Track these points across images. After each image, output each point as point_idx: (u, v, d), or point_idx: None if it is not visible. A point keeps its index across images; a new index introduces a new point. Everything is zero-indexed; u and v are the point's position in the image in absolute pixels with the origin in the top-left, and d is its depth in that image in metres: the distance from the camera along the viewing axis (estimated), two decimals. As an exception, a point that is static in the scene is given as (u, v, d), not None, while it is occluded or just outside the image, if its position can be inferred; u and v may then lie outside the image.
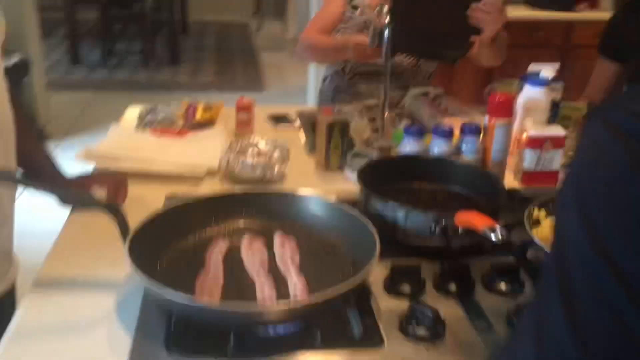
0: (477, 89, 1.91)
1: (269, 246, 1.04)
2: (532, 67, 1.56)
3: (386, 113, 1.52)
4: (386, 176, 1.25)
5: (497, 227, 0.86)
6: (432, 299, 0.97)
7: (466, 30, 1.65)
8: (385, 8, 1.46)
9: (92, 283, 1.01)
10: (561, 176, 1.43)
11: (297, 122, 1.79)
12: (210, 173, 1.41)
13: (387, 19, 1.45)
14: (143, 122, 1.70)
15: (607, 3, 3.97)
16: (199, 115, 1.70)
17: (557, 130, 1.39)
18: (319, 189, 1.34)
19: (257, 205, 1.12)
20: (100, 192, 1.18)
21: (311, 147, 1.59)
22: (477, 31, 1.65)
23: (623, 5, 1.89)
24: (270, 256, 1.01)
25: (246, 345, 0.84)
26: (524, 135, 1.40)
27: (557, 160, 1.40)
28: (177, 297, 0.82)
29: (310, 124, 1.81)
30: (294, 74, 6.30)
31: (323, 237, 1.06)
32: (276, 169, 1.38)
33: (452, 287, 0.99)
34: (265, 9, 8.45)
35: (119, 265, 0.95)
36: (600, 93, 1.88)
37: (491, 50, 1.75)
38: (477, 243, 1.07)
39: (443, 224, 1.03)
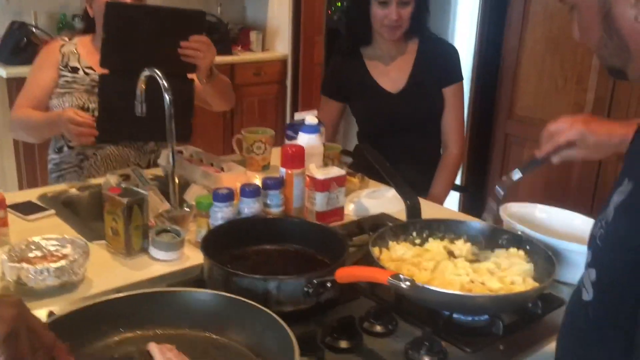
0: (217, 140, 1.94)
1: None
2: (297, 116, 1.66)
3: (176, 180, 1.43)
4: (226, 243, 1.19)
5: (400, 275, 0.91)
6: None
7: (182, 67, 1.75)
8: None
9: None
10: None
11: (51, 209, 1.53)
12: (-10, 294, 1.12)
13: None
14: None
15: (257, 46, 4.41)
16: None
17: (337, 172, 1.51)
18: (130, 278, 1.19)
19: (113, 316, 0.93)
20: None
21: (90, 234, 1.39)
22: (193, 68, 1.77)
23: (337, 52, 2.15)
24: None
25: None
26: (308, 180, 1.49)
27: (342, 197, 1.53)
28: None
29: (67, 207, 1.58)
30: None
31: (209, 336, 0.95)
32: (81, 270, 1.17)
33: (344, 343, 1.01)
34: None
35: None
36: (331, 129, 2.10)
37: (215, 90, 1.88)
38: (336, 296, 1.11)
39: (317, 285, 1.04)
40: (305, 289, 1.04)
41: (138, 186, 1.60)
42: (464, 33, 3.07)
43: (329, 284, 1.05)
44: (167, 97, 1.37)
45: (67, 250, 1.22)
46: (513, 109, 2.82)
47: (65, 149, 1.83)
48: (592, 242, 0.78)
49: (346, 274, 1.01)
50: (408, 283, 0.90)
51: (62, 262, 1.13)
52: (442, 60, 2.00)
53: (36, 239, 1.22)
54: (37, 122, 1.77)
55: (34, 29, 3.41)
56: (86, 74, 1.82)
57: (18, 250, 1.18)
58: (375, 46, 2.02)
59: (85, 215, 1.61)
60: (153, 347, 0.91)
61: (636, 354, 0.67)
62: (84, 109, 1.76)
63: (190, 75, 1.84)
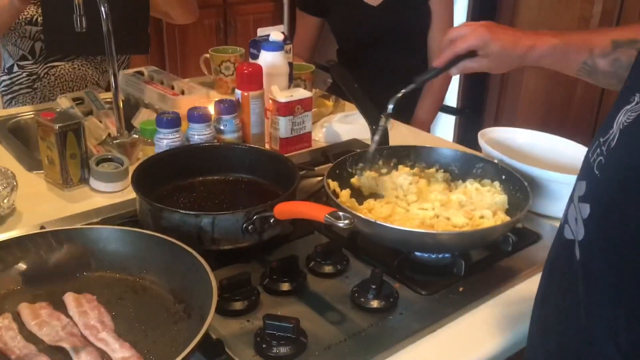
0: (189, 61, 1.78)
1: (61, 311, 0.79)
2: (260, 32, 1.51)
3: (120, 104, 1.30)
4: (160, 176, 1.08)
5: (340, 213, 0.80)
6: (270, 306, 0.87)
7: None
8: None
9: None
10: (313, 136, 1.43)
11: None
12: None
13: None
14: None
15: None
16: None
17: (303, 93, 1.37)
18: (66, 212, 1.09)
19: (18, 257, 0.84)
20: None
21: (32, 163, 1.28)
22: None
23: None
24: (71, 323, 0.77)
25: None
26: (270, 103, 1.36)
27: (308, 122, 1.40)
28: None
29: (15, 133, 1.47)
30: None
31: (126, 279, 0.85)
32: (5, 202, 1.06)
33: (285, 285, 0.90)
34: None
35: None
36: (308, 49, 1.94)
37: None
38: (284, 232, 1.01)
39: (257, 221, 0.93)
40: (245, 225, 0.93)
41: (92, 111, 1.48)
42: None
43: (272, 220, 0.94)
44: (102, 9, 1.21)
45: (-6, 181, 1.11)
46: (515, 22, 2.60)
47: (15, 68, 1.69)
48: (587, 172, 0.63)
49: (285, 209, 0.90)
50: (346, 222, 0.78)
51: (-19, 196, 1.03)
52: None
53: (-41, 168, 1.11)
54: None
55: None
56: None
57: (-64, 183, 1.07)
58: (354, -49, 1.82)
59: (35, 142, 1.49)
60: (69, 298, 0.81)
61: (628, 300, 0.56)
62: (32, 22, 1.61)
63: None
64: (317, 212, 0.81)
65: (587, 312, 0.61)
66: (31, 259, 0.85)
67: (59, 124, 1.14)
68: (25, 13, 1.61)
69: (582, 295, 0.62)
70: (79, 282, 0.85)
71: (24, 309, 0.78)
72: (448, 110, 2.39)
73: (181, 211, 0.93)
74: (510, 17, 2.65)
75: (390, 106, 1.09)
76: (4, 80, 1.73)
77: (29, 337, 0.74)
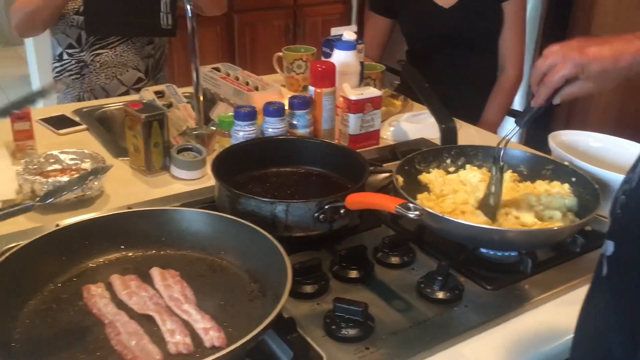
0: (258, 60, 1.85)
1: (148, 284, 0.86)
2: (333, 31, 1.55)
3: (200, 97, 1.37)
4: (236, 166, 1.14)
5: (411, 205, 0.83)
6: (338, 291, 0.91)
7: None
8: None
9: None
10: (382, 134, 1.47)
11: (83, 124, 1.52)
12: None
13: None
14: None
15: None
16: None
17: (373, 92, 1.41)
18: (148, 196, 1.17)
19: (119, 230, 0.91)
20: None
21: (117, 150, 1.37)
22: None
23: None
24: (157, 295, 0.83)
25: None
26: (341, 100, 1.40)
27: (377, 120, 1.43)
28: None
29: (102, 122, 1.58)
30: (3, 61, 5.49)
31: (205, 258, 0.91)
32: (95, 184, 1.15)
33: (354, 273, 0.94)
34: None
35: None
36: (378, 49, 1.97)
37: None
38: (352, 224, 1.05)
39: (328, 211, 0.97)
40: (316, 215, 0.97)
41: (172, 103, 1.56)
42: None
43: (342, 211, 0.98)
44: (188, 8, 1.29)
45: (87, 165, 1.21)
46: (590, 28, 2.55)
47: (65, 55, 1.81)
48: (612, 210, 0.64)
49: (356, 200, 0.94)
50: (417, 212, 0.81)
51: (83, 172, 1.11)
52: (503, -30, 1.79)
53: (55, 152, 1.21)
54: (34, 3, 1.70)
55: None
56: None
57: (37, 163, 1.17)
58: (428, -45, 1.84)
59: (120, 131, 1.59)
60: (155, 272, 0.88)
61: None
62: (78, 12, 1.73)
63: None
64: (388, 202, 0.85)
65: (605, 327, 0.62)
66: (121, 236, 0.92)
67: (146, 114, 1.22)
68: (73, 4, 1.73)
69: (602, 308, 0.63)
70: (163, 259, 0.91)
71: (116, 279, 0.85)
72: (516, 114, 2.37)
73: (258, 198, 0.98)
74: (586, 22, 2.60)
75: (501, 152, 1.03)
76: (56, 67, 1.85)
77: (120, 305, 0.81)
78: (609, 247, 0.61)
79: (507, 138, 1.03)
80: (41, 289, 0.83)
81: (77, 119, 1.55)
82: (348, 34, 1.50)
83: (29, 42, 3.78)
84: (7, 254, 0.80)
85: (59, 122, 1.51)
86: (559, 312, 0.91)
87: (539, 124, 2.65)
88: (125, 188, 1.23)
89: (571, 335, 0.84)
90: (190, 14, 1.29)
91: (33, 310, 0.80)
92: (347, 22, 4.31)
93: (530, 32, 2.24)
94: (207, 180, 1.27)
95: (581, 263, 1.02)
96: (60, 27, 1.77)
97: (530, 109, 1.01)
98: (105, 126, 1.56)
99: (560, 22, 2.66)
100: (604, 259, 0.62)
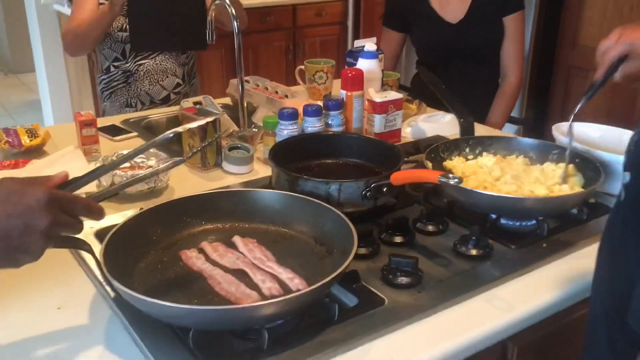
0: (280, 80, 2.04)
1: (233, 249, 1.02)
2: (356, 43, 1.74)
3: (245, 104, 1.55)
4: (284, 159, 1.31)
5: (449, 174, 1.01)
6: (387, 253, 1.08)
7: None
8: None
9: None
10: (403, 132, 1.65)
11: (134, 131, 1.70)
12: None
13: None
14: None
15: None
16: (24, 142, 1.50)
17: (395, 95, 1.60)
18: (207, 188, 1.33)
19: (200, 208, 1.08)
20: None
21: (169, 153, 1.54)
22: None
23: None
24: (242, 256, 1.00)
25: (280, 340, 0.84)
26: (367, 103, 1.58)
27: (399, 120, 1.62)
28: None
29: (148, 130, 1.75)
30: (7, 89, 5.65)
31: (276, 229, 1.08)
32: (164, 177, 1.32)
33: (399, 238, 1.12)
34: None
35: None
36: (391, 60, 2.17)
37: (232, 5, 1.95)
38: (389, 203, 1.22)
39: (374, 189, 1.14)
40: (363, 192, 1.15)
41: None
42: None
43: (384, 189, 1.15)
44: (235, 25, 1.48)
45: (152, 162, 1.38)
46: (577, 38, 2.78)
47: (112, 68, 2.04)
48: (628, 147, 0.83)
49: (400, 176, 1.11)
50: (457, 179, 0.99)
51: (150, 169, 1.28)
52: (503, -12, 2.01)
53: (124, 151, 1.37)
54: (93, 18, 1.93)
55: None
56: None
57: (110, 161, 1.34)
58: (435, -25, 2.05)
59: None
60: (237, 239, 1.04)
61: None
62: (122, 29, 1.96)
63: None
64: (431, 174, 1.03)
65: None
66: (203, 213, 1.09)
67: (203, 117, 1.39)
68: (117, 22, 1.95)
69: (621, 254, 0.81)
70: (239, 231, 1.08)
71: (206, 245, 1.02)
72: (512, 120, 2.57)
73: (314, 179, 1.15)
74: (573, 33, 2.82)
75: (571, 122, 1.24)
76: (103, 80, 2.08)
77: (214, 263, 0.98)
78: (626, 177, 0.79)
79: (575, 112, 1.21)
80: (146, 254, 0.99)
81: (126, 128, 1.72)
82: (370, 45, 1.69)
83: (40, 69, 3.97)
84: (122, 222, 0.96)
85: (112, 131, 1.68)
86: (573, 264, 1.09)
87: (537, 119, 2.86)
88: (185, 182, 1.39)
89: (587, 279, 1.03)
90: (237, 31, 1.48)
91: (143, 269, 0.96)
92: (343, 43, 4.53)
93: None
94: (254, 174, 1.45)
95: (588, 228, 1.20)
96: (106, 43, 1.98)
97: (594, 85, 1.19)
98: (151, 133, 1.73)
99: (550, 35, 2.89)
100: (622, 187, 0.80)
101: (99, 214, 0.82)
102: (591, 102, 1.23)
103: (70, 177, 0.87)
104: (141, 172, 1.26)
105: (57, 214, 0.75)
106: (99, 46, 2.02)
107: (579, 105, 1.20)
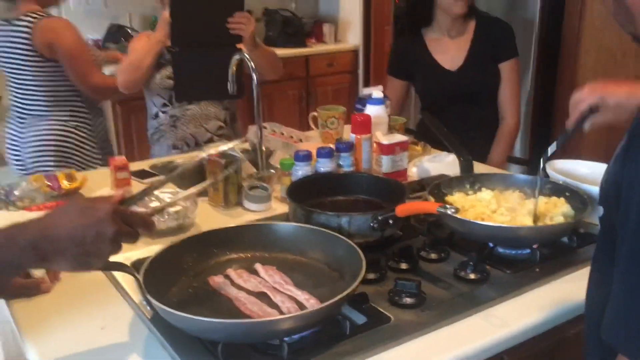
0: (294, 126, 2.20)
1: (255, 275, 1.15)
2: (364, 91, 1.90)
3: (263, 149, 1.70)
4: (299, 196, 1.44)
5: (447, 205, 1.13)
6: (394, 278, 1.20)
7: (231, 38, 2.10)
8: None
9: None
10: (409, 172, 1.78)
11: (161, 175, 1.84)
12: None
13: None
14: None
15: (330, 38, 4.67)
16: (64, 185, 1.65)
17: (400, 137, 1.74)
18: (229, 224, 1.46)
19: (226, 240, 1.21)
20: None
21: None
22: (239, 38, 2.12)
23: (398, 34, 2.37)
24: (264, 281, 1.12)
25: (298, 352, 0.96)
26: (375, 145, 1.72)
27: (405, 160, 1.75)
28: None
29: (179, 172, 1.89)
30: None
31: (293, 257, 1.21)
32: (192, 214, 1.46)
33: (404, 265, 1.23)
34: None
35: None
36: (396, 106, 2.32)
37: (262, 57, 2.19)
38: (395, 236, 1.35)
39: (381, 221, 1.27)
40: (372, 224, 1.27)
41: (230, 156, 1.89)
42: (526, 11, 3.18)
43: (391, 221, 1.28)
44: (255, 77, 1.64)
45: (181, 201, 1.51)
46: (574, 81, 2.92)
47: (160, 114, 2.25)
48: (601, 184, 0.95)
49: (405, 208, 1.24)
50: (453, 209, 1.12)
51: (178, 207, 1.42)
52: (498, 37, 2.17)
53: (155, 192, 1.52)
54: (139, 54, 2.15)
55: (129, 30, 3.82)
56: (169, 52, 2.19)
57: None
58: (435, 27, 2.22)
59: (189, 180, 1.91)
60: (259, 266, 1.17)
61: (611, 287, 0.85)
62: (170, 78, 2.18)
63: (238, 46, 2.16)
64: (431, 206, 1.16)
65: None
66: (228, 243, 1.22)
67: (225, 160, 1.54)
68: (165, 72, 2.17)
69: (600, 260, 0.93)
70: (260, 259, 1.20)
71: (231, 272, 1.15)
72: (515, 160, 2.70)
73: (327, 212, 1.28)
74: (571, 78, 2.98)
75: (541, 166, 1.33)
76: (152, 125, 2.28)
77: (239, 287, 1.10)
78: (600, 210, 0.91)
79: (546, 153, 1.31)
80: (178, 280, 1.12)
81: (154, 172, 1.87)
82: (377, 92, 1.84)
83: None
84: (159, 251, 1.10)
85: (142, 175, 1.83)
86: (563, 286, 1.20)
87: (538, 155, 2.98)
88: (209, 219, 1.53)
89: (575, 300, 1.13)
90: (256, 82, 1.64)
91: (176, 292, 1.09)
92: (354, 91, 4.73)
93: (524, 86, 2.60)
94: (272, 211, 1.58)
95: (578, 255, 1.31)
96: (155, 90, 2.20)
97: (566, 132, 1.30)
98: (178, 176, 1.87)
99: (548, 82, 3.04)
100: (599, 220, 0.92)
101: (152, 227, 0.96)
102: (590, 140, 1.34)
103: None
104: (171, 210, 1.41)
105: (120, 224, 0.89)
106: (148, 93, 2.24)
107: (550, 150, 1.30)
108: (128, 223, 0.91)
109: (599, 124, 1.26)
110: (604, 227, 0.93)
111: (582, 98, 1.25)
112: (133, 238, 0.92)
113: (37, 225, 0.87)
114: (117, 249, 0.90)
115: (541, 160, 1.32)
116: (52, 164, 2.26)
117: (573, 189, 1.41)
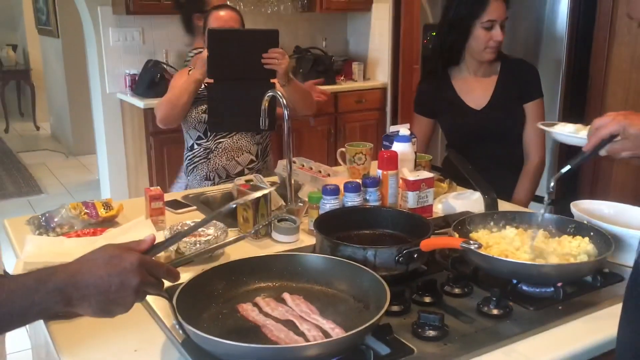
0: (322, 161, 2.27)
1: (282, 304, 1.19)
2: (392, 129, 1.95)
3: (292, 182, 1.76)
4: (327, 229, 1.48)
5: (470, 240, 1.16)
6: (417, 310, 1.22)
7: (265, 73, 2.20)
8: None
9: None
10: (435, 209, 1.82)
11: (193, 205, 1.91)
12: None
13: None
14: (38, 231, 1.67)
15: (359, 76, 4.76)
16: (101, 213, 1.72)
17: (426, 174, 1.77)
18: (257, 254, 1.50)
19: (255, 269, 1.25)
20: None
21: (224, 223, 1.74)
22: (273, 73, 2.21)
23: (426, 74, 2.43)
24: (291, 310, 1.16)
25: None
26: (401, 181, 1.76)
27: (430, 197, 1.79)
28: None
29: (205, 204, 1.96)
30: (68, 170, 6.06)
31: (320, 288, 1.24)
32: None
33: (428, 298, 1.26)
34: (9, 107, 7.99)
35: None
36: (422, 144, 2.36)
37: (295, 92, 2.30)
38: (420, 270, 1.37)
39: (406, 255, 1.30)
40: (396, 258, 1.31)
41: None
42: (553, 54, 3.23)
43: (415, 255, 1.31)
44: (286, 113, 1.70)
45: (211, 230, 1.57)
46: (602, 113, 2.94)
47: (195, 146, 2.36)
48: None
49: (429, 243, 1.27)
50: (476, 245, 1.15)
51: (209, 237, 1.48)
52: (523, 78, 2.21)
53: (187, 222, 1.58)
54: (177, 91, 2.26)
55: (165, 66, 3.96)
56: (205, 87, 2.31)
57: (175, 229, 1.54)
58: (462, 67, 2.27)
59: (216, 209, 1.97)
60: (286, 295, 1.21)
61: None
62: (205, 112, 2.29)
63: (272, 80, 2.26)
64: (455, 241, 1.19)
65: None
66: (256, 272, 1.26)
67: (255, 195, 1.59)
68: (202, 106, 2.28)
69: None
70: (287, 289, 1.24)
71: (260, 300, 1.19)
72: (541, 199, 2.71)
73: (353, 245, 1.32)
74: (599, 110, 3.00)
75: (552, 184, 1.35)
76: (188, 156, 2.40)
77: (267, 315, 1.14)
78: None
79: (562, 172, 1.34)
80: (209, 306, 1.16)
81: (186, 202, 1.94)
82: (404, 130, 1.89)
83: (101, 151, 4.32)
84: (191, 278, 1.14)
85: (174, 205, 1.90)
86: (587, 324, 1.21)
87: (567, 196, 2.98)
88: (239, 250, 1.57)
89: (599, 338, 1.14)
90: (287, 117, 1.70)
91: (207, 318, 1.13)
92: (382, 128, 4.79)
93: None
94: (300, 243, 1.62)
95: (601, 293, 1.32)
96: (192, 124, 2.32)
97: (583, 154, 1.34)
98: (208, 207, 1.94)
99: (576, 117, 3.06)
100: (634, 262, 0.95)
101: (175, 277, 1.01)
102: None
103: None
104: (203, 239, 1.46)
105: (145, 275, 0.95)
106: (185, 126, 2.36)
107: (563, 170, 1.33)
108: (152, 274, 0.96)
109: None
110: (635, 270, 0.95)
111: (604, 124, 1.29)
112: (157, 288, 0.98)
113: (66, 270, 0.92)
114: (140, 298, 0.95)
115: (552, 179, 1.35)
116: None
117: (597, 229, 1.43)
